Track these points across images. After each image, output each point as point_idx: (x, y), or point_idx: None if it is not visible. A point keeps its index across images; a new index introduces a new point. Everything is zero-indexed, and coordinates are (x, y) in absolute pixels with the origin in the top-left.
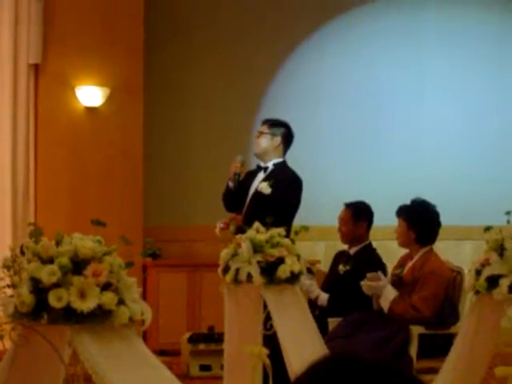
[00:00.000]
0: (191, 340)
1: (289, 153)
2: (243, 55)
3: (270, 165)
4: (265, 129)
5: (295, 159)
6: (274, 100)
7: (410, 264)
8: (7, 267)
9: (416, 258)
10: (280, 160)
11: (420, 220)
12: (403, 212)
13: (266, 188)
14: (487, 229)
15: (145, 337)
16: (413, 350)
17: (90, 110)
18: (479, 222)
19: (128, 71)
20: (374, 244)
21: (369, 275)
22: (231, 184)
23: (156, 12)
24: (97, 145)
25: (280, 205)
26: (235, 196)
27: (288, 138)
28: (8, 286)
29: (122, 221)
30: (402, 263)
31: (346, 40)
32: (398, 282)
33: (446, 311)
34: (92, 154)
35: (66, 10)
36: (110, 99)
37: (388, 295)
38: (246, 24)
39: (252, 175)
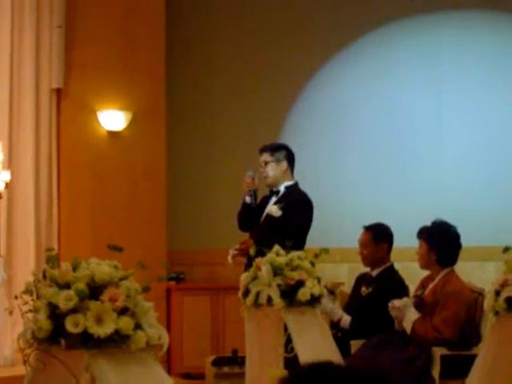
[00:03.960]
0: (215, 363)
1: (310, 175)
2: (264, 77)
3: (282, 188)
4: (267, 157)
5: (317, 181)
6: (297, 121)
7: (431, 286)
8: (30, 292)
9: (437, 279)
10: (291, 183)
11: (440, 241)
12: (424, 234)
13: (276, 211)
14: (506, 249)
15: (169, 360)
16: (435, 371)
17: (113, 134)
18: (502, 241)
19: (150, 95)
20: (397, 265)
21: (396, 302)
22: (248, 199)
23: (177, 36)
24: (120, 169)
25: (290, 226)
26: (252, 213)
27: (291, 159)
28: (31, 311)
29: (145, 245)
30: (423, 285)
31: (368, 61)
32: (419, 304)
33: (467, 332)
34: (115, 178)
35: (88, 35)
36: (132, 123)
37: (411, 317)
38: (268, 45)
39: (266, 200)
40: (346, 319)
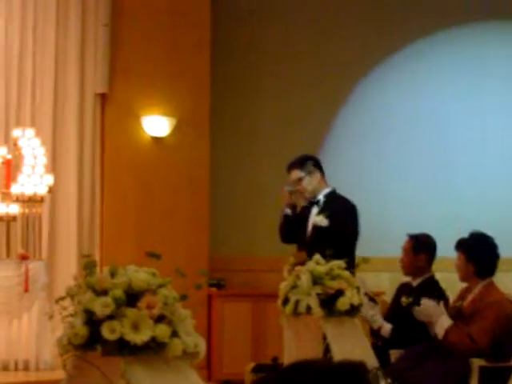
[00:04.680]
0: (255, 370)
1: (354, 182)
2: (308, 83)
3: (321, 197)
4: (298, 173)
5: (361, 189)
6: (342, 129)
7: (470, 297)
8: (71, 296)
9: (476, 290)
10: (328, 190)
11: (478, 253)
12: (461, 245)
13: (322, 221)
14: None
15: (209, 367)
16: (474, 382)
17: (157, 140)
18: None
19: (195, 101)
20: (439, 275)
21: (423, 301)
22: (288, 210)
23: (222, 41)
24: (163, 175)
25: (340, 236)
26: (294, 225)
27: (320, 166)
28: (72, 316)
29: (187, 251)
30: (462, 296)
31: (413, 70)
32: (456, 315)
33: (503, 344)
34: (158, 183)
35: (133, 41)
36: (176, 129)
37: (444, 323)
38: (314, 55)
39: (306, 211)
40: (387, 328)
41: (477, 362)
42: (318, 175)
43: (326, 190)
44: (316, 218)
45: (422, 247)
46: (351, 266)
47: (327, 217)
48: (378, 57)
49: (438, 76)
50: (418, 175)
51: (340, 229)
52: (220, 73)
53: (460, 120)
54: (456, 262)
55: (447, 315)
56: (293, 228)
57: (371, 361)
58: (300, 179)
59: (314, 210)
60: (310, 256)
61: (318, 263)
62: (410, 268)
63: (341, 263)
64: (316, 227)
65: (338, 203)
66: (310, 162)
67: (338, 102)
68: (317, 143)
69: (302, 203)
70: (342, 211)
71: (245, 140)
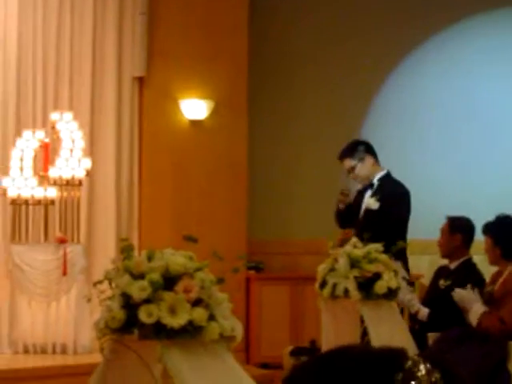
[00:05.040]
0: (293, 353)
1: (394, 167)
2: (346, 69)
3: (375, 180)
4: (350, 162)
5: (400, 173)
6: (380, 113)
7: (500, 280)
8: (109, 280)
9: (506, 273)
10: (383, 173)
11: (504, 235)
12: (488, 229)
13: (373, 203)
14: None
15: (247, 350)
16: (511, 365)
17: (195, 123)
18: None
19: (232, 84)
20: (476, 258)
21: (456, 291)
22: (342, 206)
23: (260, 24)
24: (201, 158)
25: (388, 219)
26: (346, 215)
27: (372, 150)
28: (109, 299)
29: (225, 234)
30: (493, 280)
31: (450, 54)
32: (489, 300)
33: None
34: (196, 167)
35: (170, 24)
36: (214, 112)
37: (478, 310)
38: (349, 37)
39: (361, 194)
40: (424, 311)
41: None
42: (370, 160)
43: (381, 173)
44: (369, 201)
45: (457, 228)
46: (404, 249)
47: (378, 200)
48: (418, 38)
49: (476, 58)
50: (458, 157)
51: (389, 213)
52: (257, 55)
53: (498, 102)
54: (484, 245)
55: (481, 302)
56: (348, 216)
57: (409, 344)
58: (352, 168)
59: (368, 192)
60: (358, 237)
61: (355, 246)
62: (446, 249)
63: (378, 246)
64: (367, 210)
65: (392, 187)
66: (360, 148)
67: (378, 83)
68: (356, 126)
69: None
70: (394, 196)
71: (283, 122)
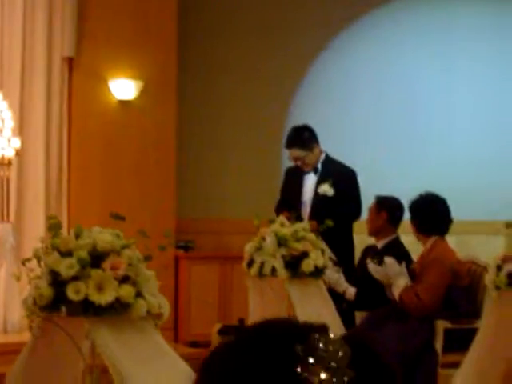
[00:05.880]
0: (221, 332)
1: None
2: (276, 48)
3: (319, 165)
4: (300, 153)
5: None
6: (307, 92)
7: (419, 255)
8: (37, 258)
9: (424, 248)
10: (324, 156)
11: (420, 212)
12: (409, 206)
13: (329, 190)
14: (509, 225)
15: (176, 328)
16: (438, 344)
17: (124, 103)
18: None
19: (161, 64)
20: (407, 239)
21: (386, 259)
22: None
23: (190, 5)
24: (130, 137)
25: (349, 202)
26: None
27: (316, 136)
28: (39, 278)
29: (154, 213)
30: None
31: (378, 35)
32: (411, 277)
33: (454, 301)
34: (125, 146)
35: (100, 4)
36: (143, 92)
37: (400, 284)
38: (278, 16)
39: (296, 175)
40: (351, 291)
41: (442, 324)
42: (317, 148)
43: (322, 157)
44: (322, 187)
45: (384, 206)
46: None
47: (332, 186)
48: (344, 21)
49: (404, 40)
50: (384, 142)
51: (348, 197)
52: (187, 35)
53: (427, 84)
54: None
55: (406, 276)
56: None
57: (336, 322)
58: (303, 158)
59: (312, 177)
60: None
61: (282, 225)
62: (372, 227)
63: (305, 225)
64: (321, 197)
65: (338, 169)
66: (310, 139)
67: (305, 65)
68: (284, 105)
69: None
70: (346, 178)
71: (213, 102)
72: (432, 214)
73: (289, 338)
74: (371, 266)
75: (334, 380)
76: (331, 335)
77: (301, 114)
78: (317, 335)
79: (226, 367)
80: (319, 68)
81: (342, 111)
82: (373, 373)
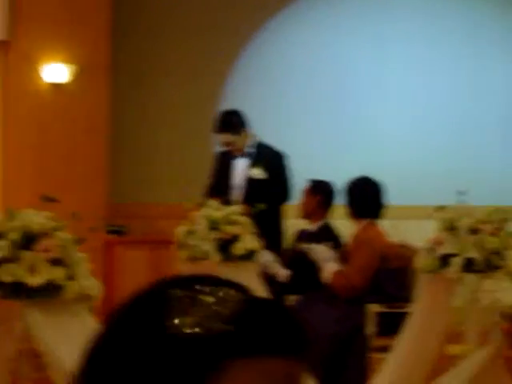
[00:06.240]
0: None
1: (255, 130)
2: (210, 29)
3: (251, 149)
4: (229, 137)
5: (261, 136)
6: (241, 74)
7: (350, 238)
8: None
9: (355, 231)
10: (255, 141)
11: (353, 194)
12: (343, 188)
13: (260, 173)
14: (439, 208)
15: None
16: (370, 328)
17: (57, 87)
18: (445, 201)
19: (95, 49)
20: (340, 223)
21: (312, 246)
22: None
23: None
24: (63, 121)
25: (282, 185)
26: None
27: (246, 121)
28: None
29: (84, 197)
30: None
31: (313, 17)
32: (342, 259)
33: (382, 283)
34: (58, 130)
35: None
36: (76, 76)
37: (331, 267)
38: (213, 2)
39: (227, 160)
40: (284, 273)
41: (374, 308)
42: (247, 132)
43: (253, 141)
44: (253, 171)
45: (317, 189)
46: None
47: (264, 169)
48: (279, 2)
49: (338, 20)
50: (318, 125)
51: (280, 179)
52: (121, 19)
53: (361, 67)
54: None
55: (335, 260)
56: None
57: None
58: (231, 142)
59: (243, 161)
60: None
61: (215, 209)
62: (305, 210)
63: (237, 208)
64: (253, 180)
65: (269, 153)
66: (237, 122)
67: (241, 44)
68: (218, 89)
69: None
70: (278, 162)
71: (146, 86)
72: (364, 197)
73: (155, 292)
74: (307, 249)
75: (198, 330)
76: (223, 290)
77: (234, 97)
78: (198, 286)
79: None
80: (254, 50)
81: (277, 93)
82: (258, 330)
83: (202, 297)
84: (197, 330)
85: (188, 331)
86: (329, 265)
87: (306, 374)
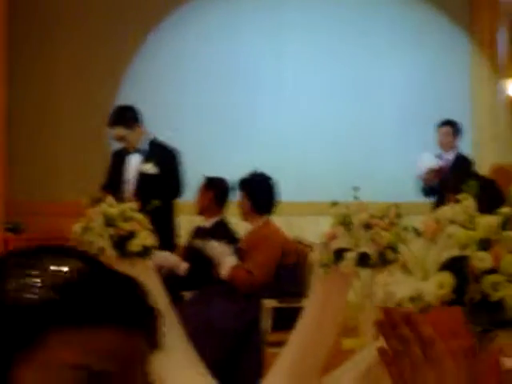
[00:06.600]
0: None
1: (152, 129)
2: (109, 24)
3: (145, 145)
4: (121, 131)
5: (158, 135)
6: (139, 72)
7: (249, 232)
8: None
9: (252, 228)
10: (150, 137)
11: (255, 190)
12: (243, 184)
13: (150, 168)
14: (333, 204)
15: None
16: (265, 323)
17: None
18: (336, 196)
19: None
20: (234, 220)
21: (208, 243)
22: None
23: None
24: None
25: (173, 180)
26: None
27: (139, 117)
28: None
29: None
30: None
31: (211, 11)
32: (239, 255)
33: (283, 278)
34: None
35: None
36: None
37: (229, 262)
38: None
39: (121, 156)
40: (182, 266)
41: (269, 303)
42: (139, 128)
43: (148, 137)
44: (144, 166)
45: (211, 185)
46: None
47: (156, 164)
48: (176, 1)
49: (236, 18)
50: (213, 121)
51: (170, 176)
52: (18, 14)
53: (257, 61)
54: (238, 200)
55: (233, 256)
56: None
57: (162, 299)
58: (123, 136)
59: (136, 157)
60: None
61: (111, 205)
62: (200, 206)
63: (133, 205)
64: (144, 175)
65: (161, 149)
66: (130, 115)
67: (137, 43)
68: (115, 86)
69: None
70: (170, 158)
71: (45, 82)
72: (263, 193)
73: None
74: (202, 245)
75: (26, 296)
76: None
77: (132, 94)
78: (43, 255)
79: None
80: (152, 47)
81: (173, 89)
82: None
83: (41, 265)
84: (26, 296)
85: (12, 296)
86: (227, 259)
87: (155, 346)
